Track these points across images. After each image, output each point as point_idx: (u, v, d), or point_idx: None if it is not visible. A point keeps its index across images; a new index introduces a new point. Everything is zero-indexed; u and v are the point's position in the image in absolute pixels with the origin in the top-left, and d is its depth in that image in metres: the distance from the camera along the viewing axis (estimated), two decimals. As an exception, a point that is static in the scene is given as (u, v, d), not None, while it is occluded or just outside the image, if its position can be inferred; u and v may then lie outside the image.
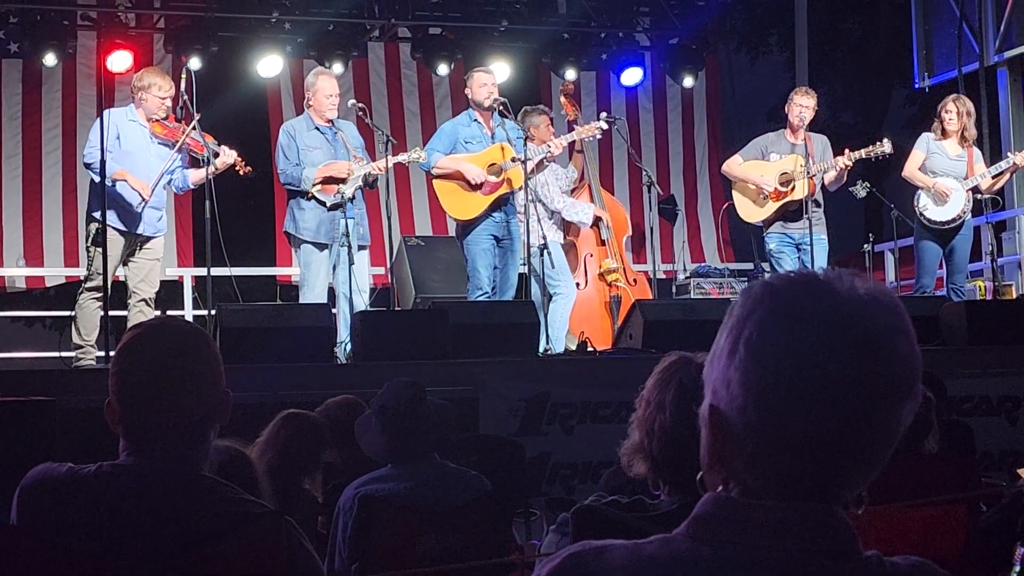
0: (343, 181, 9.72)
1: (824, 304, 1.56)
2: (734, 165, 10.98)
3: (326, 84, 10.05)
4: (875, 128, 23.81)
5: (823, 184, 10.71)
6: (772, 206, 10.71)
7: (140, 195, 9.41)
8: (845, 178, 10.71)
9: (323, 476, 5.87)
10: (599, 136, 11.07)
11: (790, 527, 1.55)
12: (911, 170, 10.83)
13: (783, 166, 10.68)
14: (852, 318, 1.55)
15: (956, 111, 10.72)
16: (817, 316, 1.55)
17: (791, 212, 10.65)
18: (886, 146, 10.54)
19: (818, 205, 10.72)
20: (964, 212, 10.67)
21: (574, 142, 11.28)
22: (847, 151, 10.55)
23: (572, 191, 11.41)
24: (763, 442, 1.56)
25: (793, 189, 10.54)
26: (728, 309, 1.63)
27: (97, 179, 9.17)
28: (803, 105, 10.69)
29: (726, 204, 11.34)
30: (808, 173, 10.43)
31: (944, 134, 10.80)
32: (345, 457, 5.88)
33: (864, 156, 10.56)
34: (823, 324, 1.54)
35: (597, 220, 11.30)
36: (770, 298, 1.58)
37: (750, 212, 10.90)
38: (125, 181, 9.38)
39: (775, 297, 1.58)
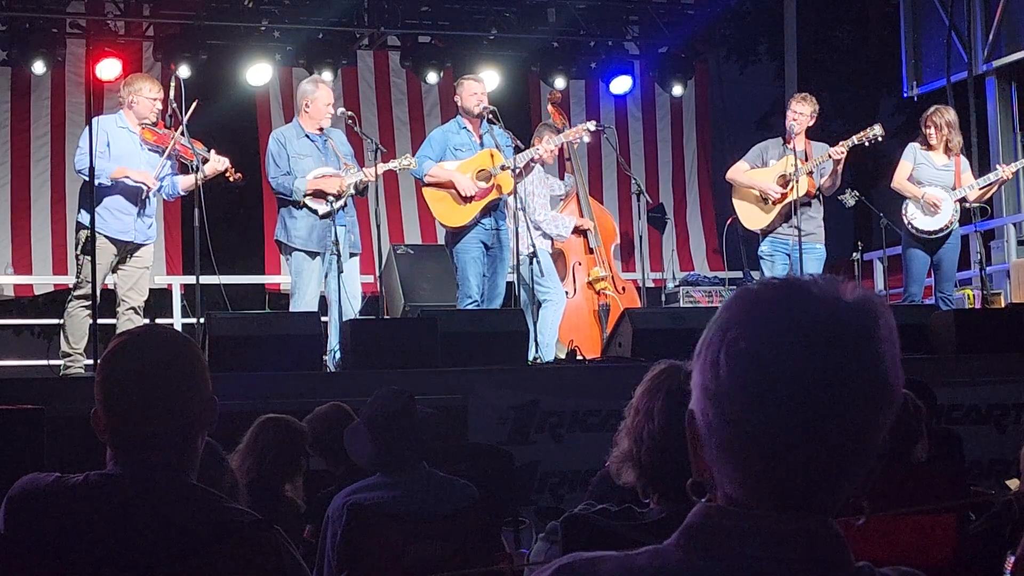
0: (336, 196, 9.69)
1: (799, 309, 1.55)
2: (739, 172, 10.98)
3: (325, 94, 10.03)
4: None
5: (820, 190, 10.72)
6: (774, 210, 10.72)
7: (146, 184, 9.41)
8: (839, 180, 10.72)
9: (312, 484, 5.86)
10: (587, 139, 11.07)
11: (781, 538, 1.54)
12: (899, 181, 10.84)
13: (778, 169, 10.70)
14: (827, 323, 1.54)
15: (935, 126, 10.75)
16: (790, 321, 1.54)
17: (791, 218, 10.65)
18: (877, 129, 10.59)
19: (814, 211, 10.74)
20: (952, 222, 10.69)
21: (563, 150, 11.30)
22: (840, 143, 10.57)
23: (560, 200, 11.43)
24: (735, 449, 1.55)
25: (792, 189, 10.54)
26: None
27: (95, 181, 9.14)
28: (796, 111, 10.71)
29: (730, 219, 11.34)
30: (799, 173, 10.43)
31: (929, 146, 10.83)
32: (333, 465, 5.88)
33: (856, 142, 10.59)
34: (795, 329, 1.53)
35: (584, 231, 11.30)
36: (748, 303, 1.58)
37: (753, 219, 10.91)
38: (127, 177, 9.37)
39: (752, 302, 1.58)
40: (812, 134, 10.91)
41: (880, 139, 10.69)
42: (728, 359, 1.55)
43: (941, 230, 10.68)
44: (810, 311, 1.54)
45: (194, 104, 9.44)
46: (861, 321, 1.55)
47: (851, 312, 1.55)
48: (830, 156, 10.54)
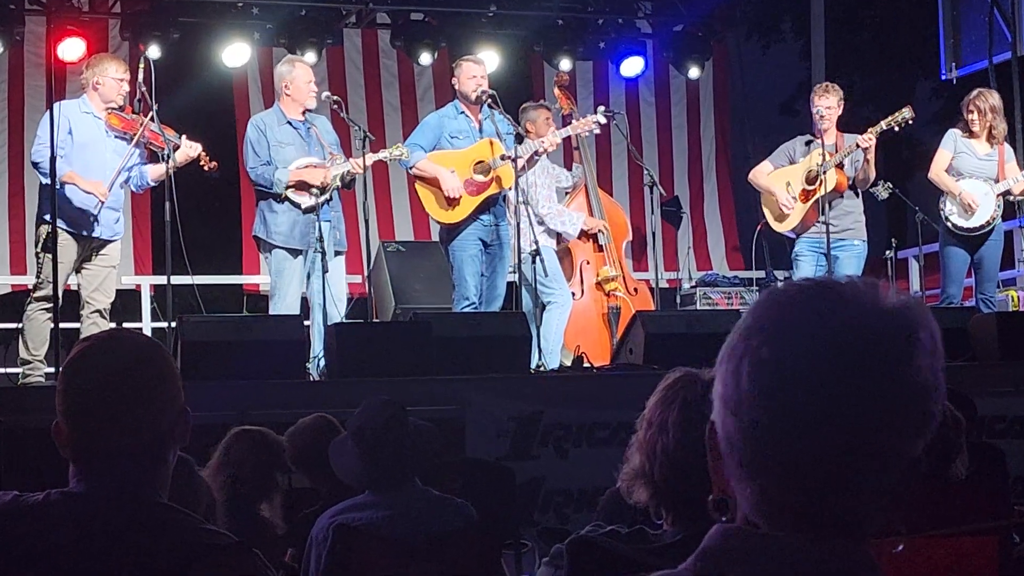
0: (320, 189, 9.69)
1: (828, 314, 1.54)
2: (760, 174, 11.01)
3: (304, 71, 10.07)
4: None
5: (855, 182, 10.73)
6: (801, 208, 10.72)
7: (96, 197, 9.39)
8: (873, 171, 10.71)
9: (293, 504, 5.86)
10: (597, 131, 11.07)
11: (807, 562, 1.54)
12: (937, 172, 10.84)
13: (807, 164, 10.71)
14: (859, 330, 1.53)
15: (978, 111, 10.73)
16: (818, 327, 1.53)
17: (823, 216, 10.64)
18: (906, 112, 10.60)
19: (849, 204, 10.74)
20: (994, 218, 10.68)
21: (570, 139, 11.29)
22: (867, 130, 10.58)
23: (567, 193, 11.44)
24: (757, 465, 1.55)
25: (821, 184, 10.54)
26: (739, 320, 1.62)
27: (45, 180, 9.16)
28: (821, 106, 10.68)
29: (760, 224, 11.36)
30: (827, 166, 10.43)
31: (971, 133, 10.82)
32: (318, 483, 5.88)
33: (885, 127, 10.60)
34: (824, 336, 1.53)
35: (594, 232, 11.32)
36: (777, 309, 1.57)
37: (780, 221, 10.91)
38: (75, 185, 9.34)
39: (779, 305, 1.57)
40: (842, 124, 10.90)
41: (910, 122, 10.70)
42: (751, 368, 1.55)
43: (982, 227, 10.67)
44: (841, 317, 1.54)
45: (154, 109, 9.42)
46: (897, 329, 1.54)
47: (887, 319, 1.54)
48: (858, 145, 10.54)
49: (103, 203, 9.43)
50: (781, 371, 1.53)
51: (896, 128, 10.74)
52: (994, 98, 10.85)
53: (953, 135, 10.90)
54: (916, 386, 1.54)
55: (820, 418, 1.51)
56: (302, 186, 9.71)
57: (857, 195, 10.86)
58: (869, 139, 10.52)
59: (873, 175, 10.78)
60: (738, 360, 1.56)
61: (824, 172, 10.49)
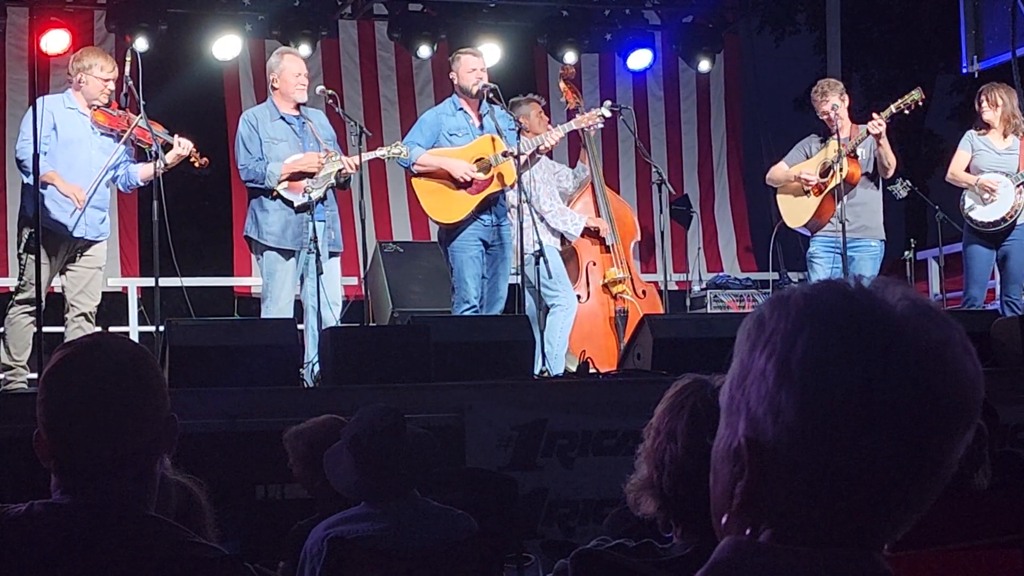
0: (313, 176, 9.70)
1: (884, 321, 1.52)
2: (779, 171, 11.02)
3: (292, 63, 10.06)
4: (917, 118, 23.84)
5: (878, 175, 10.74)
6: (814, 203, 10.73)
7: (73, 201, 9.34)
8: (891, 160, 10.69)
9: (287, 515, 5.83)
10: (600, 125, 11.06)
11: (822, 574, 1.53)
12: (955, 172, 10.89)
13: (821, 157, 10.73)
14: (916, 336, 1.51)
15: (987, 101, 10.80)
16: (880, 335, 1.51)
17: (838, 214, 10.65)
18: (916, 93, 10.63)
19: (866, 200, 10.74)
20: (1016, 211, 10.68)
21: (578, 135, 11.28)
22: (874, 114, 10.58)
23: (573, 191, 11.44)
24: (817, 479, 1.53)
25: (833, 176, 10.55)
26: (750, 322, 1.60)
27: (27, 180, 9.15)
28: (827, 110, 10.68)
29: (779, 223, 11.36)
30: (840, 158, 10.44)
31: (987, 128, 10.86)
32: (318, 492, 5.84)
33: (895, 111, 10.62)
34: (888, 344, 1.50)
35: (597, 230, 11.31)
36: (818, 311, 1.54)
37: (794, 216, 10.91)
38: (53, 186, 9.31)
39: (824, 310, 1.54)
40: (859, 118, 10.90)
41: (920, 104, 10.70)
42: (818, 380, 1.51)
43: (1003, 220, 10.69)
44: (897, 325, 1.51)
45: (142, 104, 9.41)
46: (947, 333, 1.53)
47: (935, 323, 1.53)
48: (868, 132, 10.54)
49: (81, 211, 9.39)
50: (843, 379, 1.50)
51: (907, 111, 10.75)
52: (1002, 91, 10.91)
53: (970, 135, 10.97)
54: (972, 383, 1.53)
55: (870, 426, 1.50)
56: (296, 177, 9.70)
57: (877, 187, 10.86)
58: (879, 124, 10.51)
59: (893, 161, 10.75)
60: (791, 367, 1.53)
61: (839, 165, 10.49)
